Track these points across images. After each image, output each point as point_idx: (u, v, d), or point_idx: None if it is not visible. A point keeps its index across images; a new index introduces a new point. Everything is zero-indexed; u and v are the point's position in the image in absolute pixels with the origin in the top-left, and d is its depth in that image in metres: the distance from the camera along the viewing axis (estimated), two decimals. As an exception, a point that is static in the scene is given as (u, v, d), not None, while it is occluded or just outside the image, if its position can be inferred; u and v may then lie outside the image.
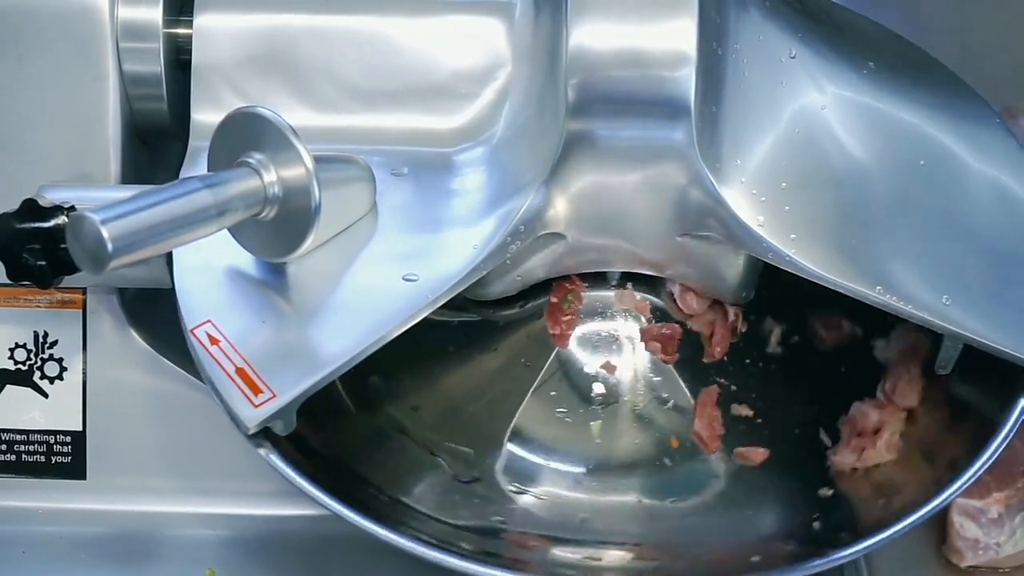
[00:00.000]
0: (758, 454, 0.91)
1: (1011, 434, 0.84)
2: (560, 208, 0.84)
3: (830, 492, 0.88)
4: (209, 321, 0.81)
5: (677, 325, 0.93)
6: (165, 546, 0.97)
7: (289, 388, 0.79)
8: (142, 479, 0.97)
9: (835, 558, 0.81)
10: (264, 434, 0.80)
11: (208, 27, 0.91)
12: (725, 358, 0.94)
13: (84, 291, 0.94)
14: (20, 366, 0.96)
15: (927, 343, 0.89)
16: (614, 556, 0.86)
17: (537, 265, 0.92)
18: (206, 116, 0.90)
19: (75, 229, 0.71)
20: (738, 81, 0.86)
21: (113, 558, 0.96)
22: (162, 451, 0.97)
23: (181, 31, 0.93)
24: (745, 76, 0.86)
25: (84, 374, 0.96)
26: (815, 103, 0.90)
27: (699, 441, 0.91)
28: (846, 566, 0.86)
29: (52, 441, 0.96)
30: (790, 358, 0.94)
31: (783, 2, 0.92)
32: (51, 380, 0.96)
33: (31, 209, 0.84)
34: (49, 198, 0.85)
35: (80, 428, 0.96)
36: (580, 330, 0.96)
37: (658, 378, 0.94)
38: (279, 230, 0.81)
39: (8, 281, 0.85)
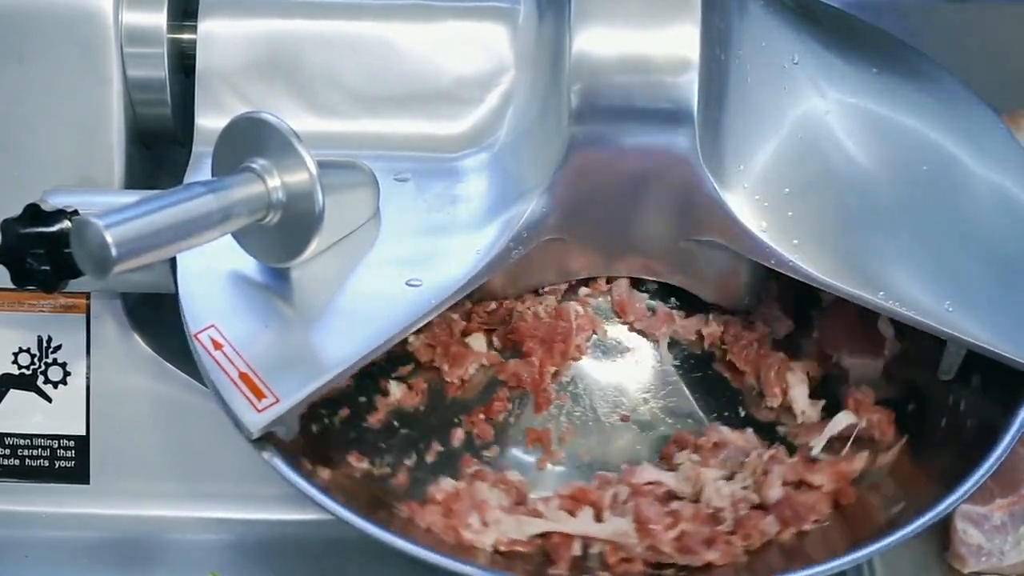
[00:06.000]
0: None
1: (1014, 440, 0.83)
2: (563, 213, 0.84)
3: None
4: (213, 326, 0.81)
5: None
6: (168, 550, 0.97)
7: (292, 393, 0.79)
8: (145, 484, 0.97)
9: (839, 563, 0.81)
10: (268, 439, 0.80)
11: (212, 32, 0.91)
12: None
13: (88, 296, 0.94)
14: (24, 370, 0.96)
15: None
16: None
17: (540, 270, 0.92)
18: (210, 121, 0.90)
19: (79, 234, 0.72)
20: (741, 86, 0.86)
21: (116, 562, 0.96)
22: (165, 456, 0.97)
23: (185, 36, 0.93)
24: (748, 81, 0.86)
25: (88, 379, 0.96)
26: (818, 108, 0.90)
27: None
28: (849, 572, 0.86)
29: (56, 446, 0.96)
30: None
31: (786, 7, 0.92)
32: (55, 385, 0.96)
33: (34, 214, 0.84)
34: (52, 203, 0.85)
35: (84, 432, 0.96)
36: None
37: (665, 386, 0.94)
38: (282, 235, 0.81)
39: (12, 286, 0.85)
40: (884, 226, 0.87)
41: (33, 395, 0.96)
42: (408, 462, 0.88)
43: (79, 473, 0.97)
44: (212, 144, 0.82)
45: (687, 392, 0.94)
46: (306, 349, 0.82)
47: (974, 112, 0.97)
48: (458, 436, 0.90)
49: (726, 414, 0.93)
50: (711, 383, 0.94)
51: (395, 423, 0.90)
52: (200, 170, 0.89)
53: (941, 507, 0.82)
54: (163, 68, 0.92)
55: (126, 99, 0.92)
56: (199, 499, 0.97)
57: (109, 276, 0.71)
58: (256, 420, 0.78)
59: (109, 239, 0.70)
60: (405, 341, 0.90)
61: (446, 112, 0.91)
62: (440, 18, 0.92)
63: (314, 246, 0.81)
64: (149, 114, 0.93)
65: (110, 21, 0.91)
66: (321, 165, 0.79)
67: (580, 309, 0.94)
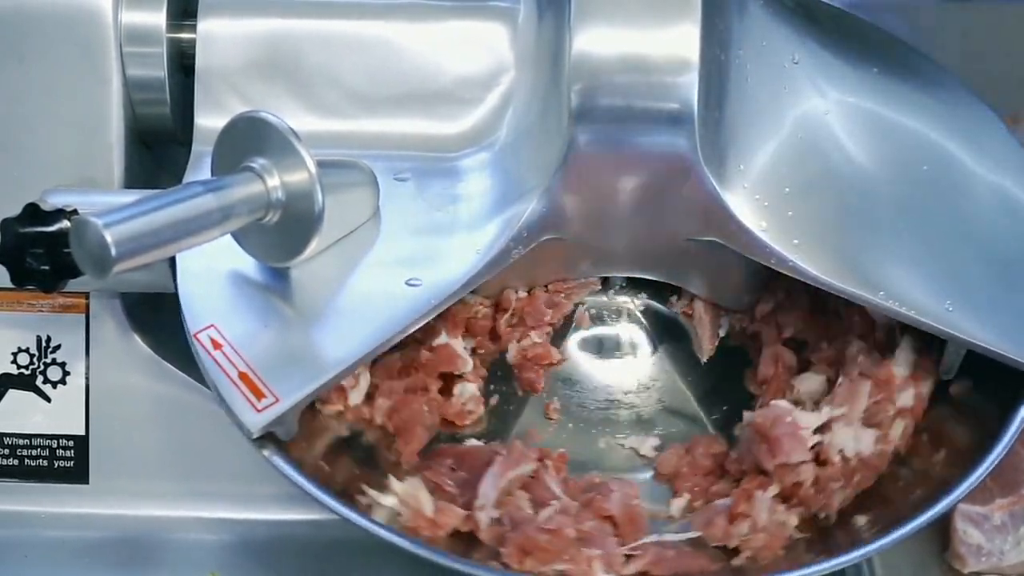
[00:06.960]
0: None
1: (1013, 439, 0.84)
2: (563, 213, 0.84)
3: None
4: (212, 326, 0.81)
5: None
6: (168, 550, 0.97)
7: (292, 393, 0.79)
8: (145, 483, 0.97)
9: (838, 562, 0.81)
10: (267, 438, 0.80)
11: (212, 32, 0.91)
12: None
13: (87, 296, 0.94)
14: (23, 370, 0.96)
15: None
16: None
17: (540, 270, 0.92)
18: (209, 121, 0.90)
19: (78, 233, 0.71)
20: (741, 87, 0.86)
21: (116, 562, 0.96)
22: (165, 455, 0.97)
23: (185, 36, 0.93)
24: (748, 82, 0.86)
25: (87, 378, 0.96)
26: (818, 108, 0.90)
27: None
28: (849, 571, 0.86)
29: (55, 445, 0.96)
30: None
31: (786, 7, 0.92)
32: (54, 384, 0.96)
33: (34, 213, 0.84)
34: (52, 202, 0.85)
35: (83, 432, 0.96)
36: (583, 334, 0.96)
37: (660, 383, 0.94)
38: (282, 234, 0.81)
39: (11, 285, 0.85)
40: (884, 226, 0.87)
41: (32, 395, 0.96)
42: None
43: (78, 473, 0.97)
44: (212, 143, 0.82)
45: (684, 390, 0.94)
46: (306, 349, 0.82)
47: (974, 112, 0.97)
48: None
49: (724, 408, 0.93)
50: (710, 382, 0.95)
51: None
52: (200, 170, 0.89)
53: (940, 506, 0.82)
54: (163, 68, 0.92)
55: (126, 99, 0.92)
56: (199, 499, 0.97)
57: (108, 276, 0.71)
58: (256, 420, 0.78)
59: (108, 238, 0.70)
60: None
61: (446, 112, 0.91)
62: (440, 18, 0.92)
63: (314, 246, 0.81)
64: (149, 114, 0.93)
65: (110, 21, 0.91)
66: (321, 164, 0.79)
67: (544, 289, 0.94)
